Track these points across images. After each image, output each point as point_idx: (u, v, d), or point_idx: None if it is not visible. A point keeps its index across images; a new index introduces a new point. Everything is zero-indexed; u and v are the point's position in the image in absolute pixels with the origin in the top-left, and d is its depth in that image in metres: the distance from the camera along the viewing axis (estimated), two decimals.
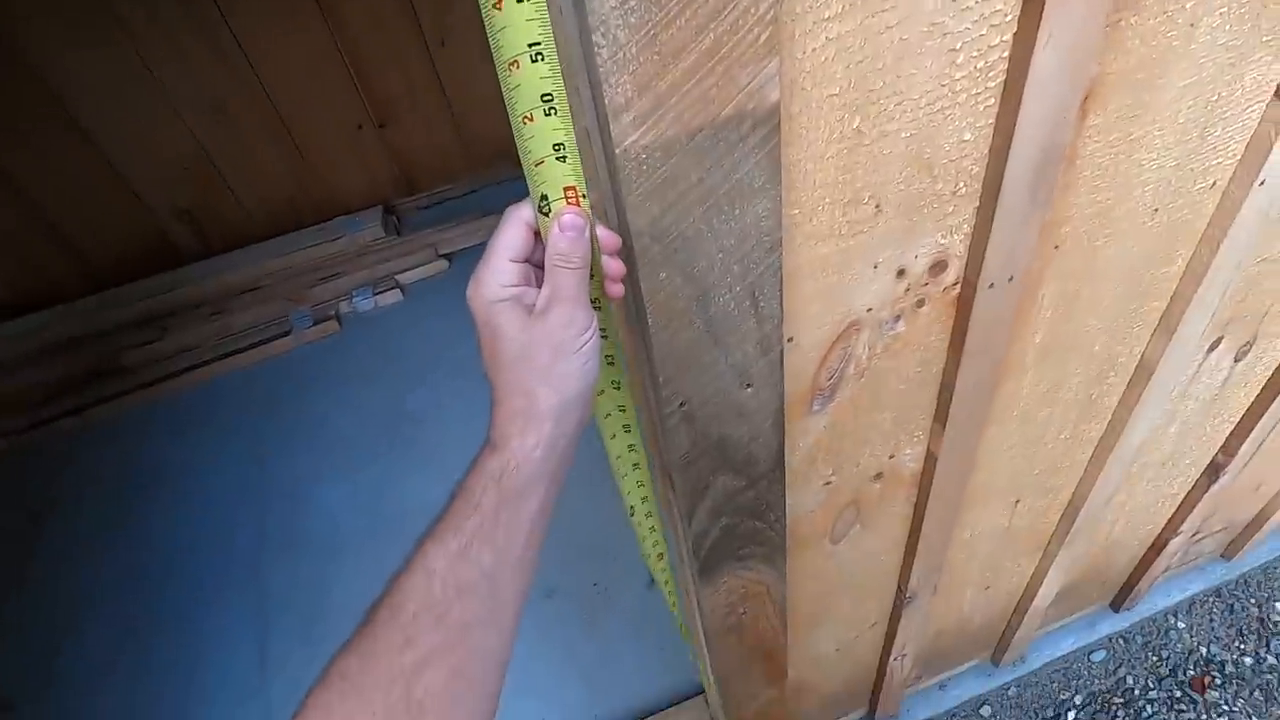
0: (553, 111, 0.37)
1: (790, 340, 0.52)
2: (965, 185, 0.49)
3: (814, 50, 0.38)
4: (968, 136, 0.46)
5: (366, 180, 2.22)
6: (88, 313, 2.00)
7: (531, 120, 0.37)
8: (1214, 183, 0.58)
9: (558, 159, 0.38)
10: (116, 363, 1.90)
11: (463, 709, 0.35)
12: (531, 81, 0.36)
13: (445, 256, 2.12)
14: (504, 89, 0.37)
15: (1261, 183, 0.57)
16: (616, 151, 0.36)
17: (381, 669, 0.34)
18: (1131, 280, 0.63)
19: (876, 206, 0.47)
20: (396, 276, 2.06)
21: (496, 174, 2.30)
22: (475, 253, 2.12)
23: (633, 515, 0.62)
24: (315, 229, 2.18)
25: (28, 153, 1.83)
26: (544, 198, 0.39)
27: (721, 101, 0.36)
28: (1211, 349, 0.76)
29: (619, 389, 0.51)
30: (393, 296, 2.05)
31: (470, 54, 2.09)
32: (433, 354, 1.86)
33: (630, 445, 0.55)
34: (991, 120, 0.46)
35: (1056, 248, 0.56)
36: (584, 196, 0.39)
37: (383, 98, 2.09)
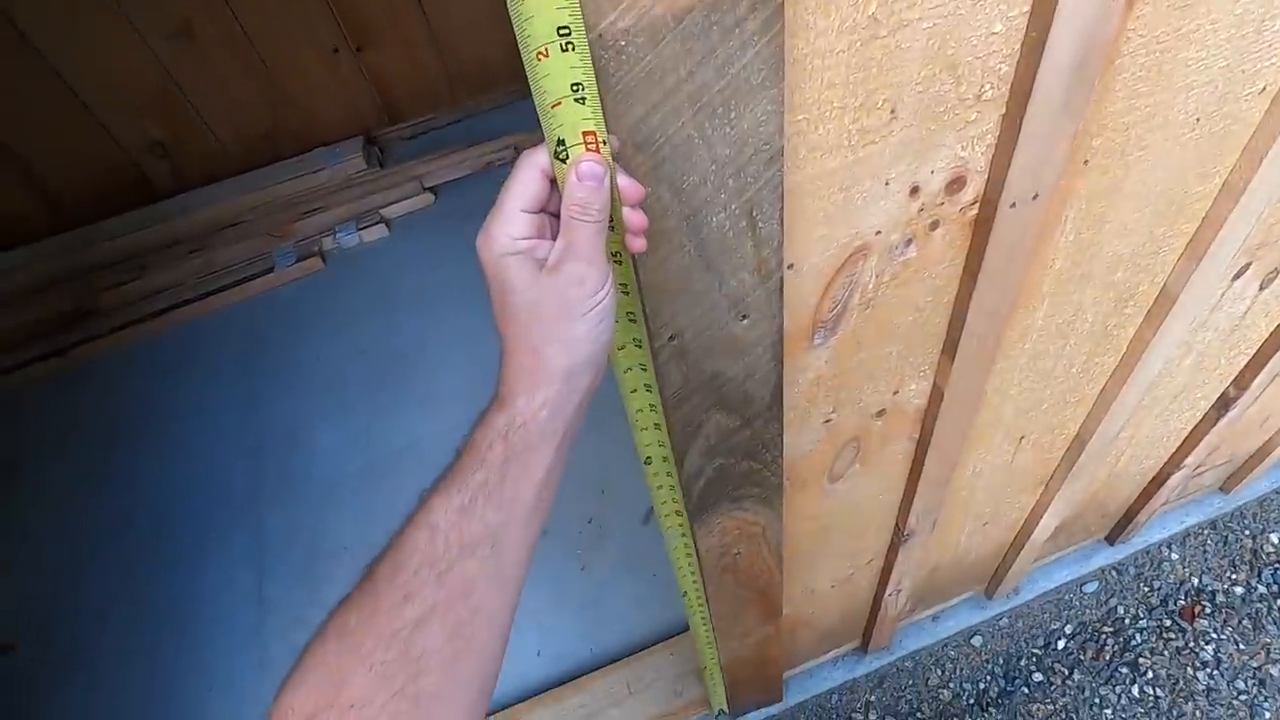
0: (570, 48, 0.31)
1: (790, 267, 0.47)
2: (992, 88, 0.43)
3: None
4: (998, 28, 0.40)
5: (347, 109, 2.11)
6: (62, 252, 1.93)
7: (546, 56, 0.31)
8: (1264, 87, 0.52)
9: (576, 100, 0.32)
10: (94, 304, 1.85)
11: (463, 667, 0.34)
12: (546, 14, 0.30)
13: (431, 190, 2.04)
14: (515, 23, 0.31)
15: None
16: (590, 38, 0.30)
17: (381, 624, 0.32)
18: (1164, 200, 0.58)
19: (891, 112, 0.42)
20: (381, 211, 1.99)
21: (483, 102, 2.19)
22: (462, 185, 2.04)
23: (649, 465, 0.59)
24: (294, 161, 2.08)
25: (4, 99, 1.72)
26: (560, 143, 0.33)
27: None
28: (1237, 276, 0.72)
29: (640, 347, 0.47)
30: (378, 231, 1.98)
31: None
32: (420, 290, 1.81)
33: (651, 404, 0.51)
34: (1027, 8, 0.40)
35: (1086, 162, 0.51)
36: (604, 143, 0.33)
37: (358, 18, 1.96)
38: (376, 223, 1.96)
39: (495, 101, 2.16)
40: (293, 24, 1.88)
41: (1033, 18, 0.40)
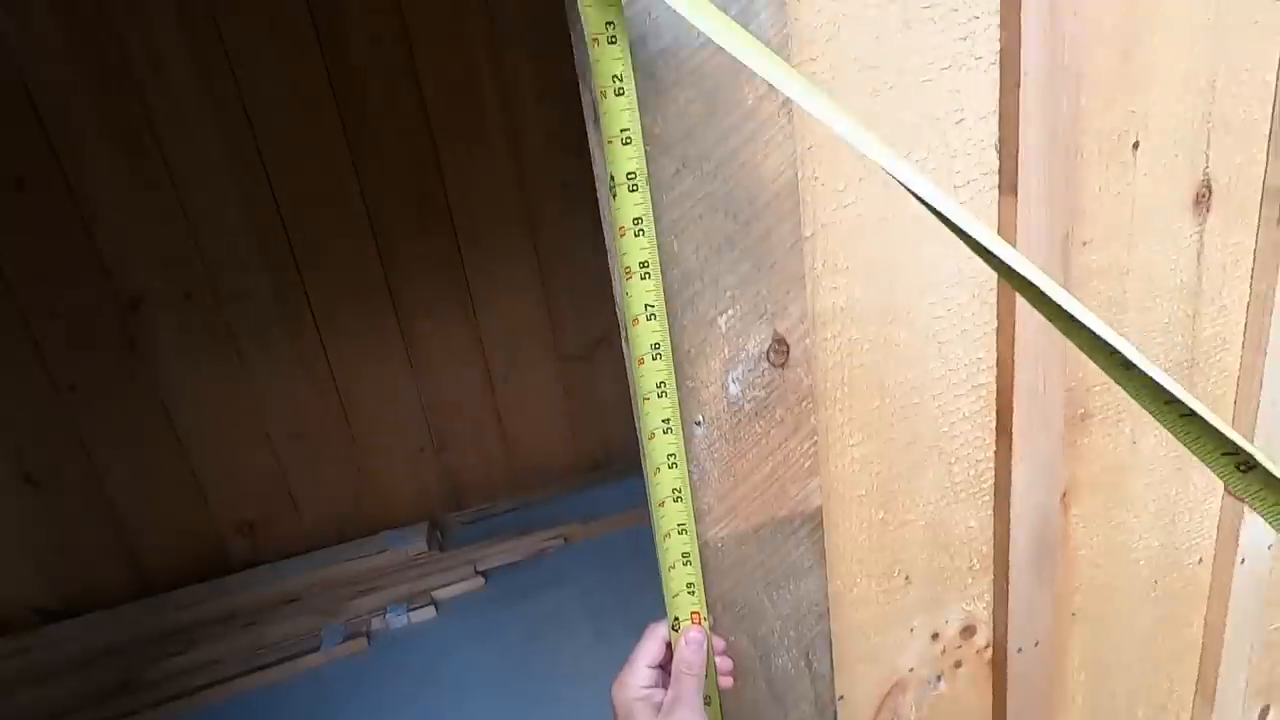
0: (679, 497, 0.47)
1: (842, 698, 0.57)
2: (979, 562, 0.58)
3: (844, 467, 0.52)
4: (973, 524, 0.57)
5: (418, 497, 2.38)
6: (125, 621, 2.02)
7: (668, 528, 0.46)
8: (1200, 559, 0.67)
9: (684, 564, 0.46)
10: (140, 675, 1.87)
11: None
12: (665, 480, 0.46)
13: (483, 574, 2.17)
14: (649, 485, 0.46)
15: (1243, 561, 0.66)
16: (700, 543, 0.47)
17: None
18: (1153, 645, 0.68)
19: (906, 579, 0.56)
20: (433, 593, 2.09)
21: (538, 493, 2.46)
22: (513, 571, 2.18)
23: None
24: (361, 542, 2.28)
25: (124, 457, 2.04)
26: (676, 619, 0.47)
27: (777, 507, 0.48)
28: (1263, 717, 0.77)
29: None
30: (427, 613, 2.06)
31: (527, 390, 2.40)
32: (462, 676, 1.80)
33: None
34: (990, 512, 0.57)
35: (1074, 615, 0.63)
36: (705, 619, 0.47)
37: (446, 425, 2.36)
38: (428, 604, 2.05)
39: (549, 493, 2.44)
40: (392, 428, 2.26)
41: (996, 517, 0.57)
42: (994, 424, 0.55)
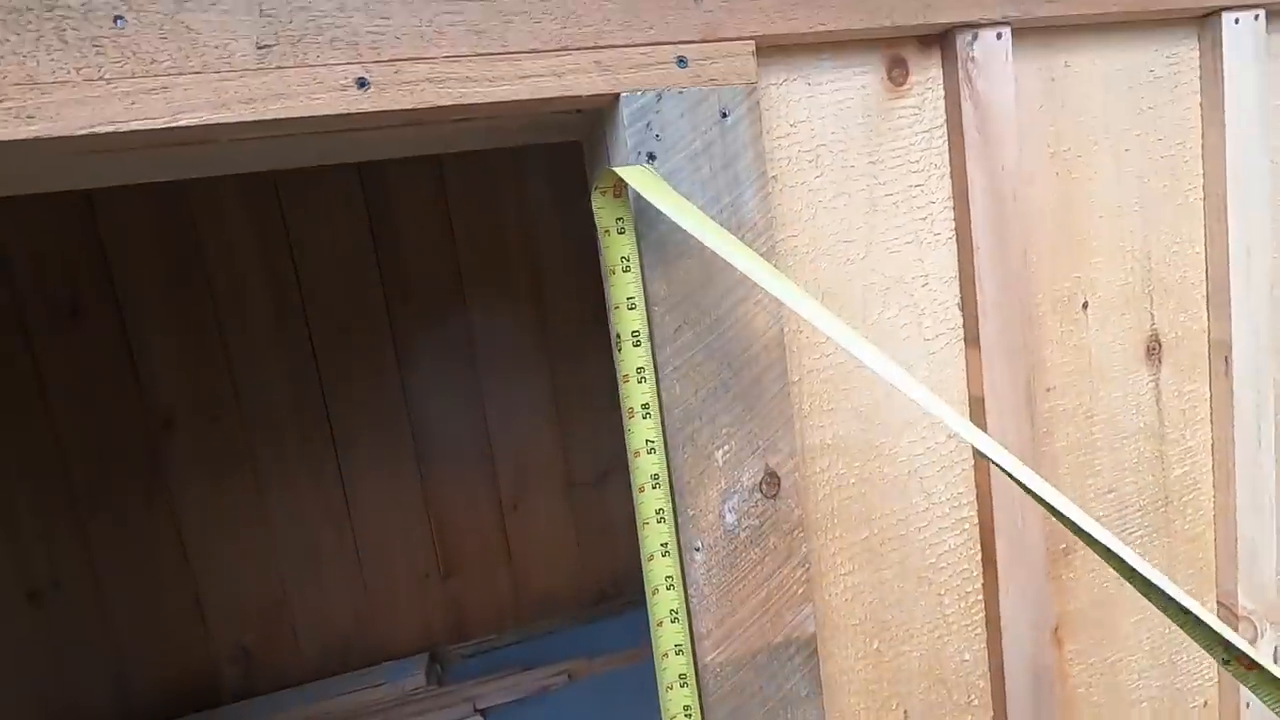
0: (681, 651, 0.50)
1: None
2: (977, 698, 0.59)
3: (837, 595, 0.55)
4: (968, 657, 0.59)
5: (420, 623, 2.33)
6: None
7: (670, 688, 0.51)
8: (1205, 702, 0.67)
9: (681, 686, 0.49)
10: None
11: None
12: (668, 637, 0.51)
13: (482, 711, 2.08)
14: (649, 605, 0.51)
15: (1248, 705, 0.66)
16: (698, 666, 0.49)
17: None
18: None
19: (904, 713, 0.57)
20: None
21: (543, 625, 2.40)
22: (513, 709, 2.08)
23: None
24: (359, 674, 2.20)
25: (129, 577, 2.04)
26: None
27: (773, 633, 0.51)
28: None
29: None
30: None
31: (538, 519, 2.40)
32: None
33: None
34: (984, 646, 0.59)
35: None
36: None
37: (454, 550, 2.34)
38: None
39: (554, 626, 2.37)
40: (399, 553, 2.26)
41: (989, 650, 0.59)
42: (980, 557, 0.58)
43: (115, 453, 1.97)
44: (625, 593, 2.43)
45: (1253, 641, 0.65)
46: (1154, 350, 0.62)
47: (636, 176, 0.42)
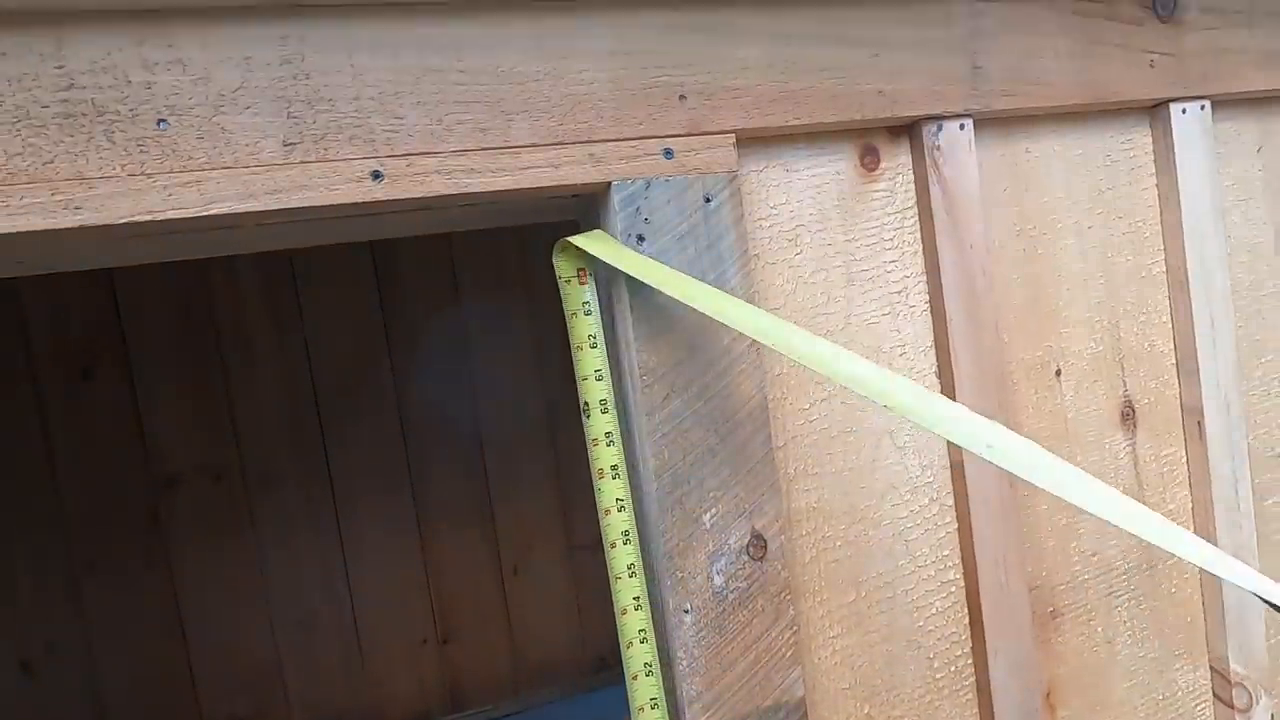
0: None
1: None
2: None
3: (826, 658, 0.55)
4: None
5: (415, 695, 2.27)
6: None
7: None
8: None
9: None
10: None
11: None
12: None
13: None
14: (624, 660, 0.52)
15: None
16: None
17: None
18: None
19: None
20: None
21: (542, 695, 2.34)
22: None
23: None
24: None
25: (123, 644, 2.00)
26: None
27: (762, 696, 0.51)
28: None
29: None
30: None
31: (536, 582, 2.37)
32: None
33: None
34: (975, 711, 0.59)
35: None
36: None
37: (452, 617, 2.31)
38: None
39: (552, 695, 2.31)
40: (397, 617, 2.22)
41: (980, 710, 0.59)
42: (967, 620, 0.59)
43: (117, 515, 1.97)
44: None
45: (1247, 709, 0.64)
46: (1128, 415, 0.64)
47: (595, 242, 0.46)
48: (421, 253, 2.08)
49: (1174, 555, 0.65)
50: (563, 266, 0.49)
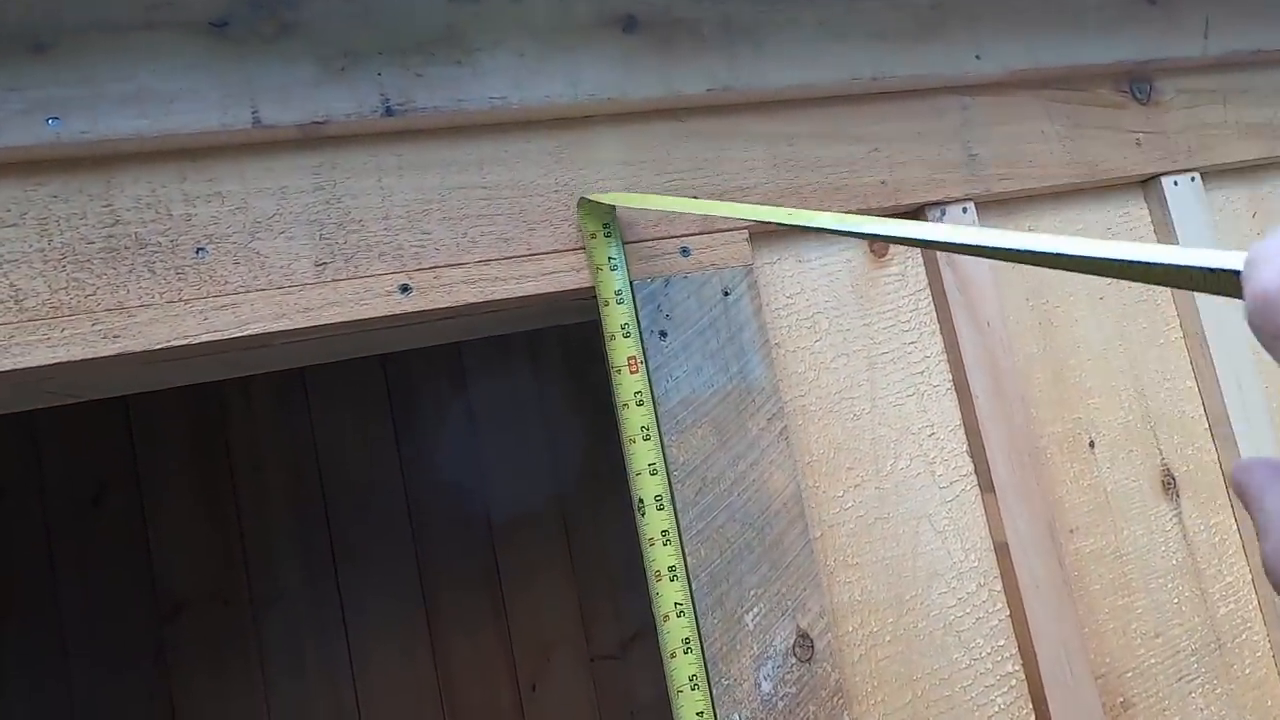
0: None
1: None
2: None
3: None
4: None
5: None
6: None
7: None
8: None
9: None
10: None
11: None
12: None
13: None
14: None
15: None
16: None
17: None
18: None
19: None
20: None
21: None
22: None
23: None
24: None
25: None
26: None
27: None
28: None
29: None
30: None
31: (555, 696, 2.25)
32: None
33: None
34: None
35: None
36: None
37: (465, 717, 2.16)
38: None
39: None
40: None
41: None
42: (1034, 717, 0.55)
43: (120, 648, 1.90)
44: None
45: None
46: (1169, 484, 0.62)
47: (620, 198, 0.47)
48: (434, 375, 2.11)
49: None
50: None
